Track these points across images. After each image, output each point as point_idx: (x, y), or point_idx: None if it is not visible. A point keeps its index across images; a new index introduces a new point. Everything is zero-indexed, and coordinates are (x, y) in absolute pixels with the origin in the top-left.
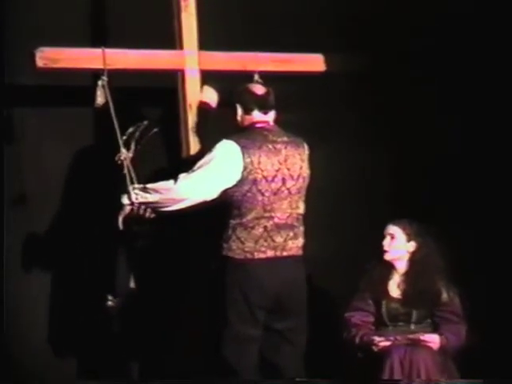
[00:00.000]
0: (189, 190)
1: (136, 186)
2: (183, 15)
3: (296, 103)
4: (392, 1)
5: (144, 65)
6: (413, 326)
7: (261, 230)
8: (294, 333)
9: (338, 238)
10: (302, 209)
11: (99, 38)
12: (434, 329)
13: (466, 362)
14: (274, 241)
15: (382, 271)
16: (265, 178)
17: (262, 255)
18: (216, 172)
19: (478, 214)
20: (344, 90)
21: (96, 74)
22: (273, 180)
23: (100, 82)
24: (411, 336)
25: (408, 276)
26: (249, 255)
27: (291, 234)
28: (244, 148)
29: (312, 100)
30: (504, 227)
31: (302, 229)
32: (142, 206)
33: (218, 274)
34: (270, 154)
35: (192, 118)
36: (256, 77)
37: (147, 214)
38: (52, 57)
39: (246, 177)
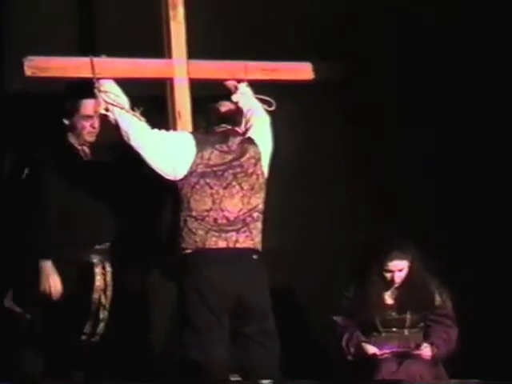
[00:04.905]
0: (142, 134)
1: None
2: (172, 24)
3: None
4: (379, 7)
5: (133, 73)
6: (406, 332)
7: (211, 221)
8: (264, 335)
9: (315, 235)
10: (255, 205)
11: (88, 47)
12: (426, 333)
13: (461, 362)
14: (225, 232)
15: (377, 280)
16: (214, 172)
17: (212, 245)
18: (170, 139)
19: (467, 214)
20: (332, 97)
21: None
22: (222, 174)
23: (97, 91)
24: (404, 350)
25: (402, 283)
26: (200, 244)
27: (244, 228)
28: (199, 142)
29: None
30: (493, 226)
31: (258, 225)
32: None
33: (175, 275)
34: (222, 151)
35: (181, 126)
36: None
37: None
38: (40, 66)
39: (195, 169)
